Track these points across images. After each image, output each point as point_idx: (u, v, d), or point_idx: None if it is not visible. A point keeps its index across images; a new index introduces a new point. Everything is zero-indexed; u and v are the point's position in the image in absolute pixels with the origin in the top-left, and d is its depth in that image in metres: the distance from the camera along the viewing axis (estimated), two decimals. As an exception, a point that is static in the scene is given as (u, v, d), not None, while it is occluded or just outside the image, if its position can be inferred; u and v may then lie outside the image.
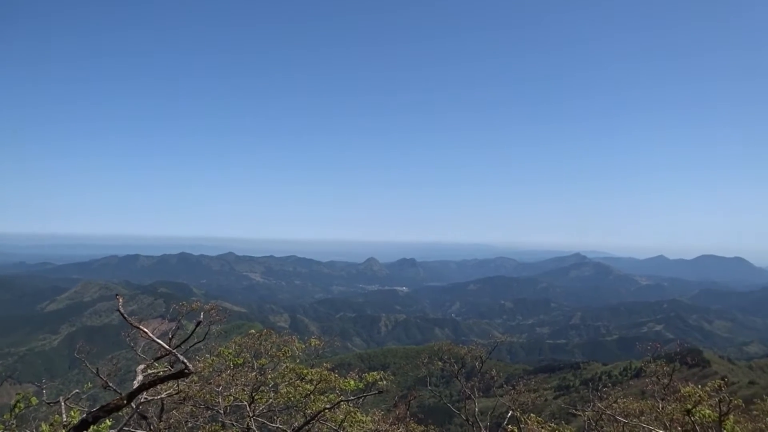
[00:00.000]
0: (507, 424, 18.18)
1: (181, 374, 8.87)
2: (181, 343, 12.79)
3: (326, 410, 16.55)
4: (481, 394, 23.99)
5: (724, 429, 13.43)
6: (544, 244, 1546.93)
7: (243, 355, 18.29)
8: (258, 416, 17.03)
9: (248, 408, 16.79)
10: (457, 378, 22.06)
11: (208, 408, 17.39)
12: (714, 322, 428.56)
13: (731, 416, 13.74)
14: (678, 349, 19.57)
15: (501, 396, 21.17)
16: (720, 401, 13.29)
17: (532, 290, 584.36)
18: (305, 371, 17.87)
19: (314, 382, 17.14)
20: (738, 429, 14.67)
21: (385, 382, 17.38)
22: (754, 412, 16.63)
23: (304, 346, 19.37)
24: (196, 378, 17.14)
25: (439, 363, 22.96)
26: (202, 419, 18.09)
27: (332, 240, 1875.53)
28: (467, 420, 20.79)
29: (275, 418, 17.56)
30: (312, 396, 17.36)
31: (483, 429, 19.51)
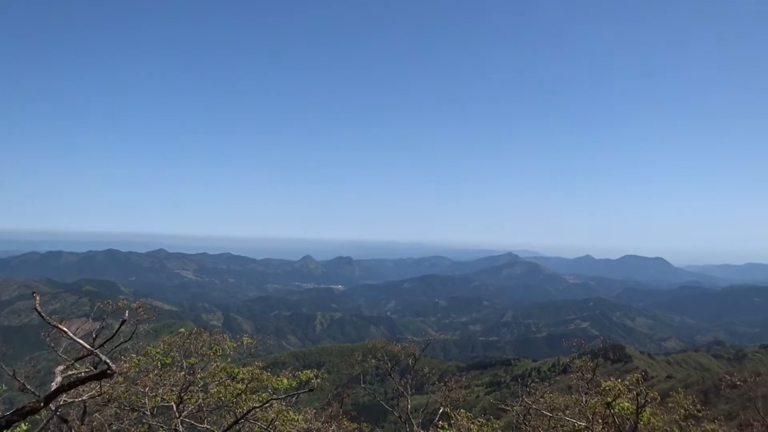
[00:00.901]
0: (438, 420, 18.45)
1: (104, 375, 8.53)
2: (104, 343, 12.28)
3: (256, 409, 16.31)
4: (415, 391, 24.26)
5: (641, 420, 14.20)
6: (478, 243, 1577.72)
7: (172, 354, 17.79)
8: (187, 417, 16.60)
9: (176, 409, 16.34)
10: (391, 376, 22.22)
11: (133, 409, 16.80)
12: (636, 320, 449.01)
13: (648, 408, 14.50)
14: (601, 345, 20.36)
15: (433, 393, 21.45)
16: (637, 394, 14.01)
17: (466, 288, 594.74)
18: (237, 370, 17.57)
19: (246, 381, 16.86)
20: (654, 420, 15.49)
21: (318, 381, 17.30)
22: (670, 404, 17.50)
23: (235, 345, 19.05)
24: (121, 379, 16.54)
25: (373, 361, 23.07)
26: (127, 421, 17.48)
27: (268, 237, 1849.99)
28: (400, 417, 20.99)
29: (204, 418, 17.15)
30: (243, 395, 17.07)
31: (415, 426, 19.71)
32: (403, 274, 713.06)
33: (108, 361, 8.45)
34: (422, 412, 22.23)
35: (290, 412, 17.75)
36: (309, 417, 19.28)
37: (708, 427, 17.38)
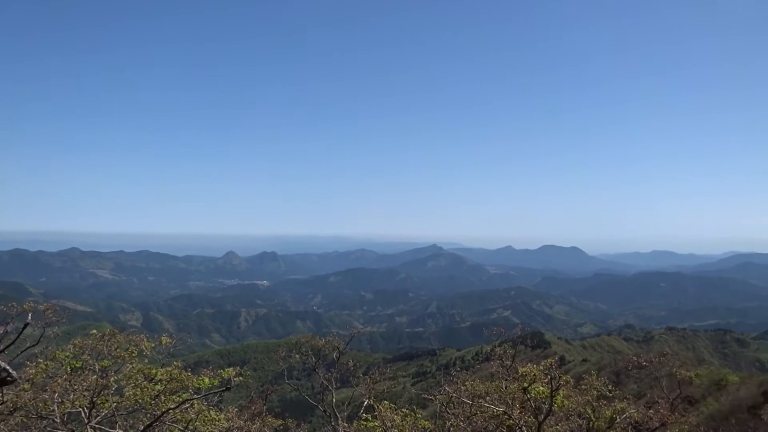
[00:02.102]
0: (363, 413, 18.53)
1: (3, 382, 7.99)
2: (5, 349, 11.46)
3: (171, 410, 15.77)
4: (340, 384, 24.26)
5: (555, 403, 14.86)
6: (403, 236, 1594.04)
7: (83, 357, 16.89)
8: (100, 422, 15.85)
9: (86, 414, 15.56)
10: (315, 370, 22.10)
11: (42, 417, 15.86)
12: (554, 307, 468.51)
13: (561, 391, 15.15)
14: (520, 333, 21.07)
15: (357, 386, 21.51)
16: (551, 379, 14.62)
17: (392, 281, 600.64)
18: (154, 371, 16.93)
19: (164, 383, 16.26)
20: (567, 402, 16.24)
21: (241, 378, 16.93)
22: (583, 386, 18.32)
23: (153, 345, 18.34)
24: (27, 386, 15.57)
25: (297, 356, 22.85)
26: (36, 430, 16.51)
27: (189, 234, 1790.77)
28: (325, 411, 20.92)
29: (118, 423, 16.43)
30: (162, 397, 16.46)
31: (340, 419, 19.71)
32: (328, 268, 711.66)
33: (7, 367, 7.91)
34: (347, 405, 22.23)
35: (211, 412, 17.30)
36: (231, 416, 18.89)
37: (618, 406, 18.28)
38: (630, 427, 18.35)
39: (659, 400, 19.95)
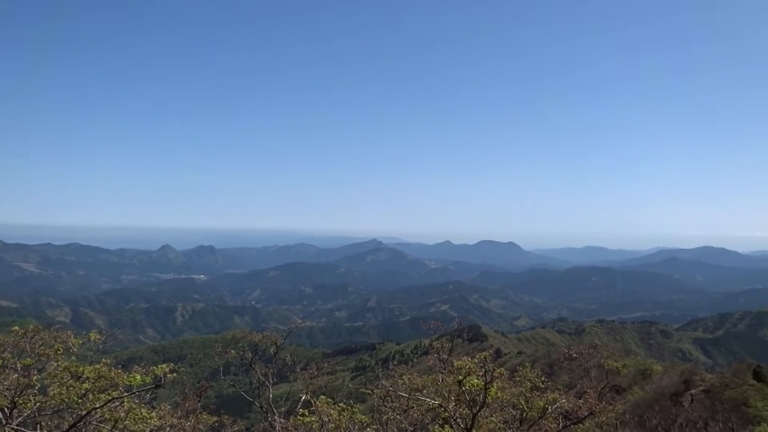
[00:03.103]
0: (300, 408, 18.42)
1: None
2: None
3: (98, 409, 15.19)
4: (278, 380, 24.02)
5: (489, 395, 15.21)
6: (343, 231, 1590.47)
7: (3, 356, 16.02)
8: (22, 423, 15.10)
9: (6, 415, 14.80)
10: (252, 366, 21.78)
11: (-43, 419, 14.98)
12: (491, 301, 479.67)
13: (495, 383, 15.51)
14: (457, 326, 21.41)
15: (295, 381, 21.34)
16: (486, 372, 14.95)
17: (332, 275, 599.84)
18: (82, 369, 16.21)
19: (92, 380, 15.59)
20: (500, 394, 16.64)
21: (175, 375, 16.46)
22: (517, 378, 18.80)
23: (82, 342, 17.57)
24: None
25: (233, 352, 22.44)
26: (-50, 433, 15.57)
27: (121, 226, 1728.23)
28: (261, 407, 20.66)
29: (42, 423, 15.70)
30: (90, 395, 15.79)
31: (277, 415, 19.51)
32: (268, 262, 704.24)
33: None
34: (284, 400, 22.04)
35: (142, 410, 16.74)
36: (164, 413, 18.37)
37: (550, 397, 18.82)
38: (561, 417, 18.97)
39: (588, 390, 20.70)
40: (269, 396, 20.51)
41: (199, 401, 21.66)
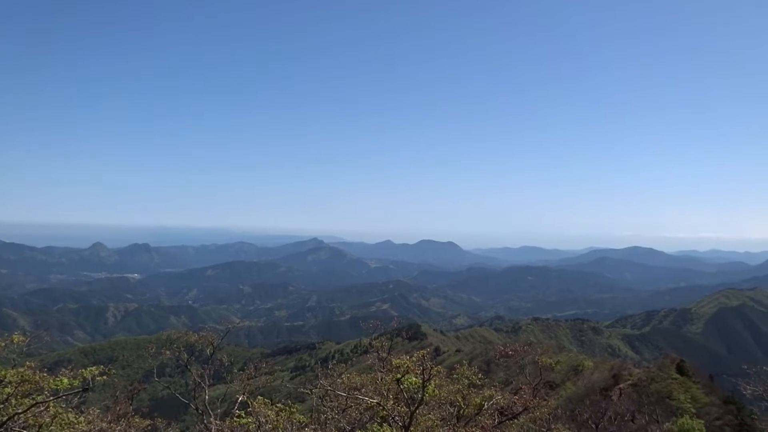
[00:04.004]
0: (237, 409, 18.11)
1: None
2: None
3: (20, 415, 14.50)
4: (215, 381, 23.56)
5: (427, 393, 15.40)
6: (284, 229, 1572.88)
7: None
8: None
9: None
10: (188, 367, 21.26)
11: None
12: (430, 299, 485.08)
13: (433, 381, 15.71)
14: (396, 325, 21.53)
15: (232, 382, 20.96)
16: (423, 370, 15.13)
17: (272, 275, 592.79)
18: (4, 372, 15.43)
19: (14, 385, 14.86)
20: (438, 391, 16.89)
21: (106, 378, 15.88)
22: (455, 376, 19.11)
23: (4, 344, 16.72)
24: None
25: (167, 353, 21.83)
26: None
27: (49, 223, 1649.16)
28: (197, 409, 20.21)
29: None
30: (13, 400, 15.04)
31: (213, 416, 19.12)
32: (206, 261, 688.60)
33: None
34: (221, 401, 21.59)
35: (69, 415, 16.07)
36: (92, 418, 17.69)
37: (486, 394, 19.21)
38: (496, 413, 19.40)
39: (523, 387, 21.27)
40: (205, 398, 20.09)
41: (131, 404, 20.98)
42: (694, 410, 42.29)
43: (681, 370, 53.14)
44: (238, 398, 19.20)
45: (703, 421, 35.75)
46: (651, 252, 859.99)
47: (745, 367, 19.30)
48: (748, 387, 18.25)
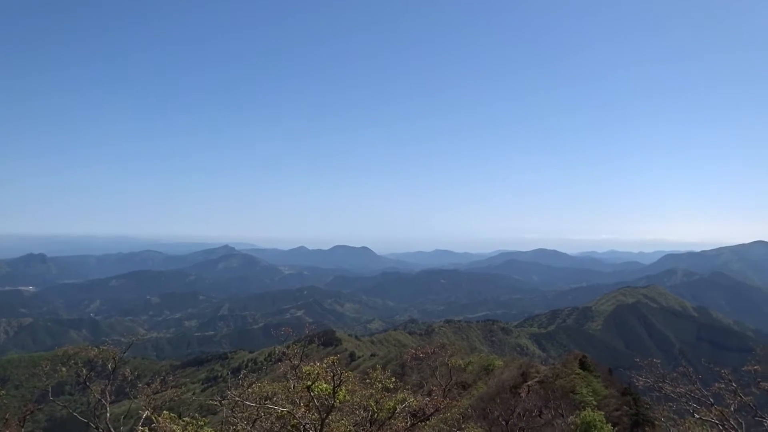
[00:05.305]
0: (141, 426, 17.29)
1: None
2: None
3: None
4: (119, 397, 22.44)
5: (338, 399, 15.37)
6: (193, 236, 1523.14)
7: None
8: None
9: None
10: (86, 384, 20.09)
11: None
12: (345, 305, 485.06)
13: (344, 387, 15.69)
14: (309, 332, 21.35)
15: (136, 397, 19.98)
16: (334, 376, 15.08)
17: (181, 283, 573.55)
18: None
19: None
20: (350, 397, 16.87)
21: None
22: (368, 380, 19.14)
23: None
24: None
25: (64, 370, 20.52)
26: None
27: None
28: (98, 428, 19.12)
29: None
30: None
31: (115, 435, 18.16)
32: (109, 271, 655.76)
33: None
34: (125, 419, 20.55)
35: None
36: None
37: (399, 397, 19.37)
38: (409, 415, 19.61)
39: (435, 388, 21.63)
40: (107, 415, 19.06)
41: (22, 426, 19.55)
42: (595, 403, 44.60)
43: (583, 365, 55.87)
44: (142, 414, 18.34)
45: (603, 413, 37.66)
46: (555, 254, 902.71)
47: (638, 360, 20.54)
48: (641, 379, 19.44)
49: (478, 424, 29.74)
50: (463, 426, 22.58)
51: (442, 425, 21.98)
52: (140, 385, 21.69)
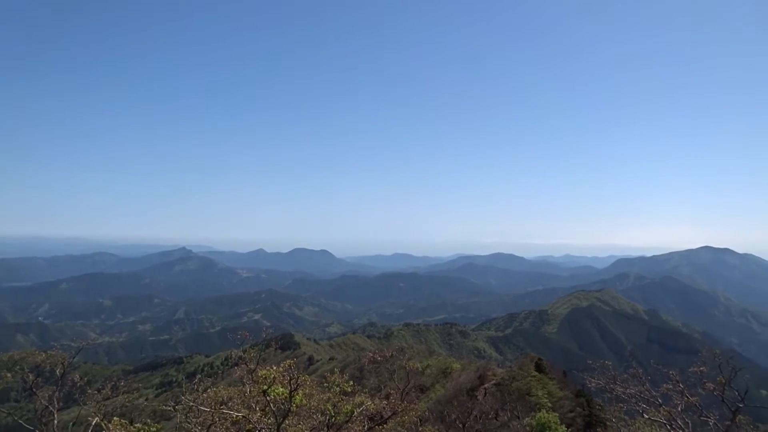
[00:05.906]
0: (90, 433, 16.79)
1: None
2: None
3: None
4: (65, 404, 21.72)
5: (294, 403, 15.24)
6: (148, 238, 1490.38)
7: None
8: None
9: None
10: (33, 390, 19.40)
11: None
12: (304, 308, 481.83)
13: (301, 391, 15.57)
14: (265, 336, 21.12)
15: (85, 403, 19.39)
16: (290, 380, 14.95)
17: (135, 286, 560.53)
18: None
19: None
20: (307, 401, 16.76)
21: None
22: (326, 384, 19.04)
23: None
24: None
25: (9, 376, 19.77)
26: None
27: None
28: (44, 436, 18.46)
29: None
30: None
31: (63, 442, 17.58)
32: (59, 273, 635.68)
33: None
34: (73, 425, 19.93)
35: None
36: None
37: (357, 400, 19.34)
38: (366, 419, 19.58)
39: (392, 391, 21.65)
40: (55, 422, 18.45)
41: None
42: (550, 404, 45.40)
43: (539, 367, 56.82)
44: (92, 421, 17.80)
45: (557, 414, 38.38)
46: (512, 258, 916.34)
47: (591, 362, 21.01)
48: (593, 380, 19.89)
49: (436, 427, 29.91)
50: (420, 429, 22.65)
51: (399, 428, 22.02)
52: (90, 390, 21.04)
